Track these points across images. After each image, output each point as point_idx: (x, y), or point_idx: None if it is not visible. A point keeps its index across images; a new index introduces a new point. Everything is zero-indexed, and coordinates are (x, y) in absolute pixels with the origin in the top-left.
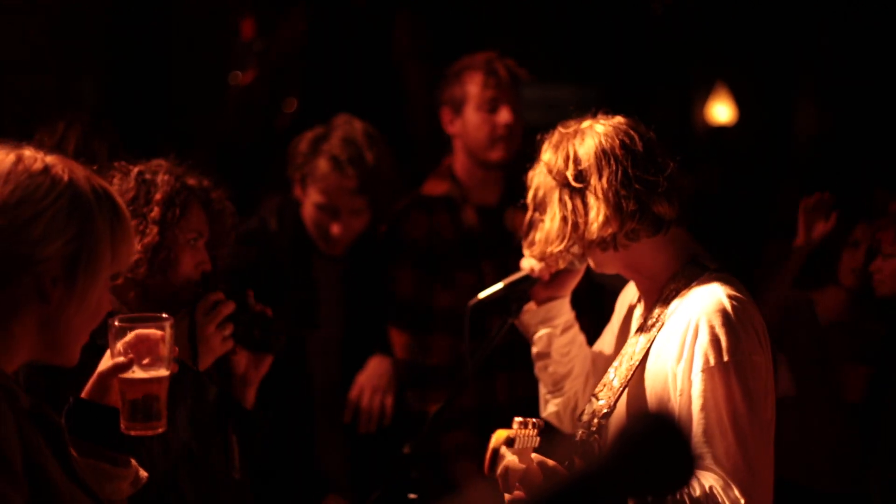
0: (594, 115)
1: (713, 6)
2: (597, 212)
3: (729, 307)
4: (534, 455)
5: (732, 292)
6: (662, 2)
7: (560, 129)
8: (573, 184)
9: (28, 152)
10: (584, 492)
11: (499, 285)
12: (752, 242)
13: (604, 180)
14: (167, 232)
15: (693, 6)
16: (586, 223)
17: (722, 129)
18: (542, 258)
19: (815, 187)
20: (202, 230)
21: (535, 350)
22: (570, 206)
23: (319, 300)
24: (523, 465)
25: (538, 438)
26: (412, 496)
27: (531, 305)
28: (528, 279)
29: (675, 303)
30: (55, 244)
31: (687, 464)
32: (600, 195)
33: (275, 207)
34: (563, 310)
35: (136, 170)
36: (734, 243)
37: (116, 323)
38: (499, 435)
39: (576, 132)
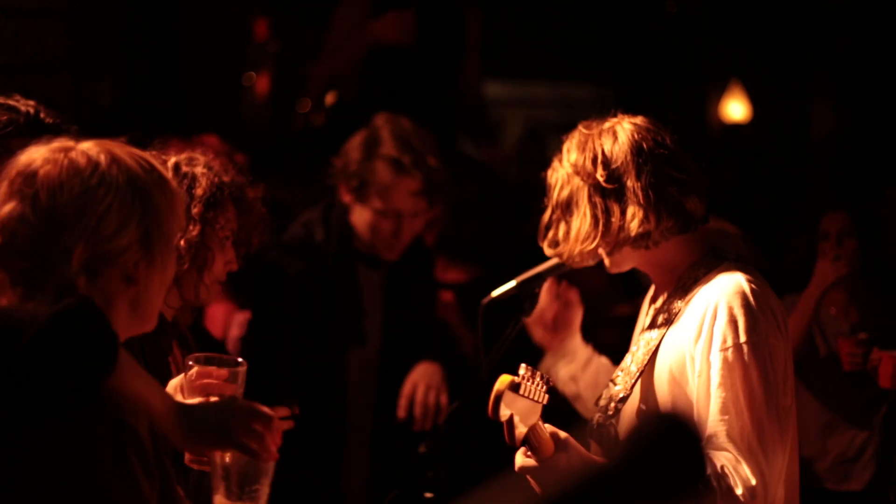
0: (613, 116)
1: (728, 5)
2: (634, 210)
3: (748, 290)
4: (547, 425)
5: (751, 277)
6: (677, 1)
7: (582, 129)
8: (605, 184)
9: (66, 146)
10: (596, 494)
11: (511, 283)
12: (772, 238)
13: (641, 178)
14: (206, 229)
15: (708, 5)
16: (622, 222)
17: (737, 127)
18: (568, 257)
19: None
20: (234, 229)
21: (567, 394)
22: (601, 205)
23: (364, 313)
24: (532, 421)
25: (547, 396)
26: (428, 495)
27: (548, 353)
28: (541, 277)
29: (694, 290)
30: (129, 232)
31: (697, 468)
32: (637, 193)
33: (319, 216)
34: (577, 346)
35: (173, 160)
36: (754, 239)
37: (191, 363)
38: (503, 379)
39: (601, 132)
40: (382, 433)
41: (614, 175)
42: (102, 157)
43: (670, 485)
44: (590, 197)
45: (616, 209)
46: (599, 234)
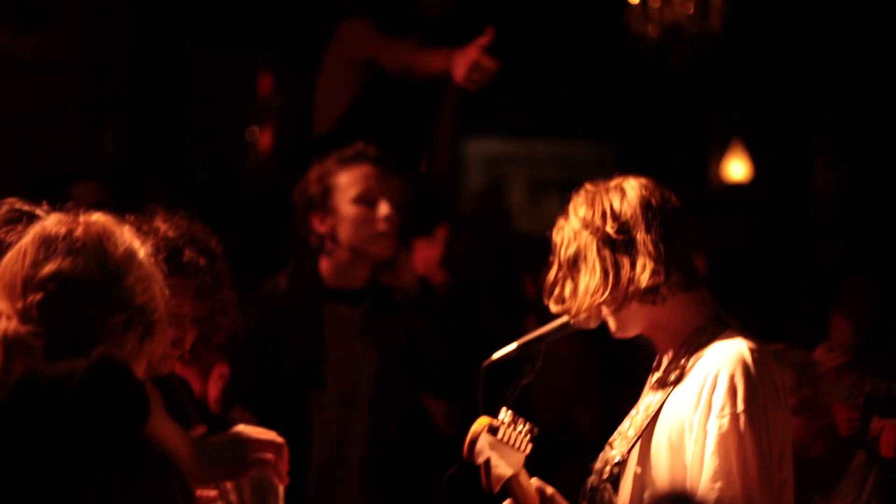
0: (617, 176)
1: (730, 65)
2: (643, 263)
3: (749, 359)
4: (533, 479)
5: (753, 346)
6: (680, 61)
7: (588, 187)
8: (615, 237)
9: (80, 214)
10: None
11: (513, 345)
12: (775, 298)
13: (651, 232)
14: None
15: (710, 66)
16: (632, 275)
17: (738, 186)
18: (576, 312)
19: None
20: (189, 311)
21: None
22: (611, 258)
23: (329, 355)
24: (511, 471)
25: (530, 445)
26: None
27: None
28: (543, 338)
29: (696, 356)
30: (155, 293)
31: None
32: (647, 246)
33: (287, 270)
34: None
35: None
36: (759, 297)
37: None
38: (481, 421)
39: (608, 189)
40: (370, 472)
41: (624, 228)
42: (121, 226)
43: None
44: (598, 250)
45: (626, 262)
46: (609, 288)
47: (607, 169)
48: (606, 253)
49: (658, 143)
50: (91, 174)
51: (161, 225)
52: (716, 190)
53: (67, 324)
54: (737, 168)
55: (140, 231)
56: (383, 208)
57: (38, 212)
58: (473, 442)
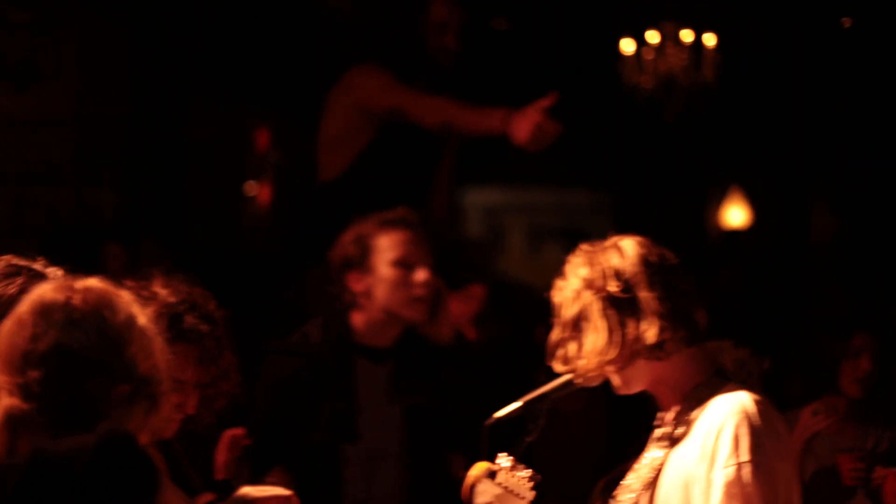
0: (612, 231)
1: (726, 112)
2: (649, 320)
3: (752, 410)
4: None
5: (756, 398)
6: (674, 111)
7: (584, 247)
8: (619, 295)
9: (76, 280)
10: None
11: (517, 403)
12: (774, 345)
13: (653, 289)
14: None
15: (706, 113)
16: (638, 332)
17: (737, 233)
18: (584, 372)
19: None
20: (191, 377)
21: None
22: (615, 317)
23: (359, 409)
24: None
25: (533, 493)
26: None
27: None
28: (547, 396)
29: (699, 410)
30: (158, 362)
31: None
32: (651, 304)
33: (318, 322)
34: None
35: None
36: (757, 344)
37: None
38: (480, 465)
39: (605, 249)
40: None
41: (627, 286)
42: (120, 292)
43: None
44: (603, 310)
45: (631, 320)
46: (617, 346)
47: (605, 216)
48: (611, 312)
49: (656, 190)
50: (115, 236)
51: (160, 290)
52: (714, 236)
53: (70, 398)
54: (735, 214)
55: (139, 297)
56: (421, 273)
57: (35, 266)
58: (472, 488)
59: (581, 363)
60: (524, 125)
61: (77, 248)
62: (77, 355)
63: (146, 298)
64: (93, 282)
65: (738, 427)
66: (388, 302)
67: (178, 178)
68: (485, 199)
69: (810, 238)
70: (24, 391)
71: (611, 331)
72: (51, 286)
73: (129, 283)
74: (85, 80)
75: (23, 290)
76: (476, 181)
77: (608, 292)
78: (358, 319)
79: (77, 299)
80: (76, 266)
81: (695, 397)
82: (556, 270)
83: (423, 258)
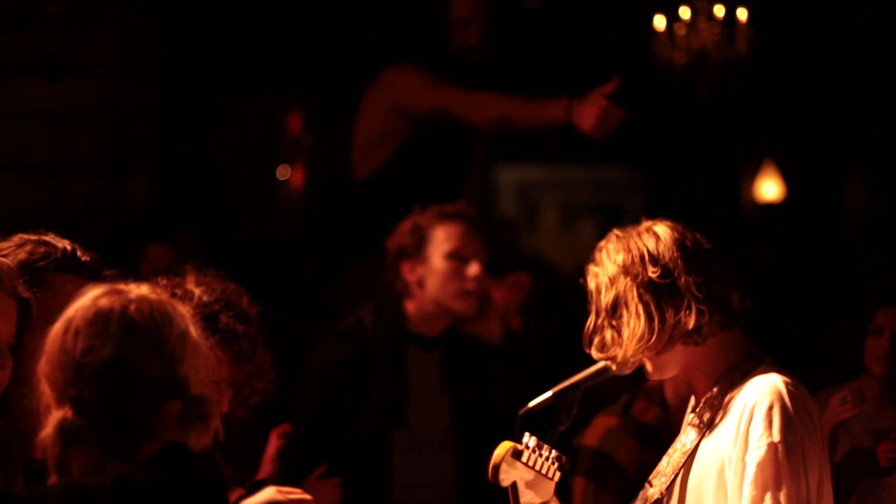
0: (644, 214)
1: (759, 87)
2: (688, 304)
3: (784, 391)
4: None
5: (788, 380)
6: (707, 87)
7: (617, 233)
8: (658, 280)
9: (126, 288)
10: None
11: (548, 394)
12: (810, 321)
13: (690, 273)
14: None
15: (738, 89)
16: (678, 317)
17: (770, 207)
18: (623, 359)
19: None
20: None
21: None
22: (654, 302)
23: (410, 396)
24: (540, 500)
25: (559, 473)
26: None
27: None
28: (578, 386)
29: (731, 393)
30: (206, 372)
31: None
32: (690, 288)
33: (371, 306)
34: None
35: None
36: (794, 322)
37: None
38: (504, 444)
39: (639, 233)
40: None
41: (665, 271)
42: (174, 305)
43: None
44: (640, 296)
45: (670, 305)
46: (656, 332)
47: (639, 193)
48: (649, 297)
49: (689, 166)
50: (162, 234)
51: (195, 289)
52: (748, 210)
53: (124, 413)
54: (769, 188)
55: (174, 296)
56: (473, 268)
57: (54, 241)
58: (497, 467)
59: (619, 350)
60: (590, 112)
61: (121, 245)
62: (134, 370)
63: (181, 297)
64: (146, 290)
65: (769, 408)
66: (439, 293)
67: (211, 165)
68: (519, 176)
69: (844, 212)
70: (77, 404)
71: (650, 316)
72: (103, 293)
73: (163, 280)
74: (117, 71)
75: (32, 255)
76: (510, 159)
77: (646, 277)
78: (410, 307)
79: (133, 309)
80: (122, 261)
81: (727, 380)
82: (590, 247)
83: (476, 252)
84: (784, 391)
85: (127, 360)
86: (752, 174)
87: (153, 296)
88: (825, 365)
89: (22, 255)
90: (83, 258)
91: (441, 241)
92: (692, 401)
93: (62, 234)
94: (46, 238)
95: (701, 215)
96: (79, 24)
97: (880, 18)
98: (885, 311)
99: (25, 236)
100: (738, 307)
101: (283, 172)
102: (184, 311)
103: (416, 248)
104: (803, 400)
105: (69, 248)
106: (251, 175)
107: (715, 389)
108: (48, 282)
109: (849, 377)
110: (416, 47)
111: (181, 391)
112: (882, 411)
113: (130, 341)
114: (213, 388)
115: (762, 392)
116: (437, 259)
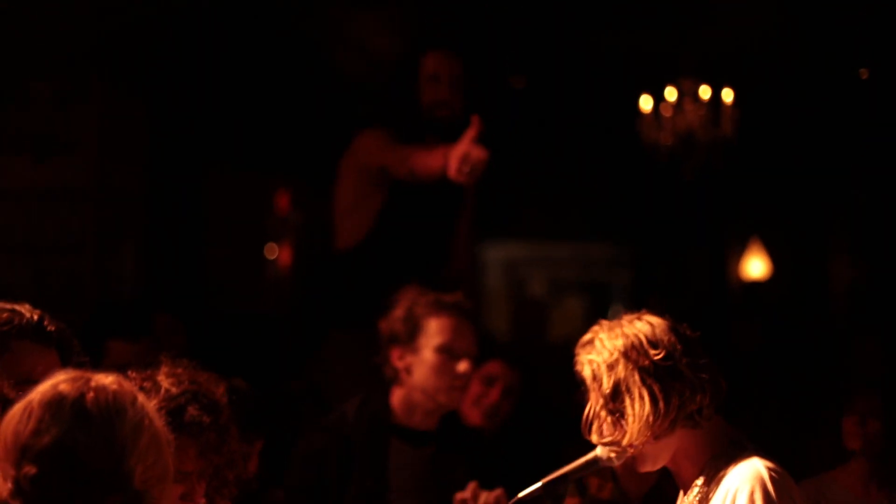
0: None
1: (744, 166)
2: (690, 385)
3: (767, 477)
4: None
5: (771, 465)
6: (693, 168)
7: (606, 323)
8: (661, 363)
9: (88, 375)
10: None
11: (537, 485)
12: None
13: (688, 356)
14: None
15: (725, 167)
16: (681, 399)
17: (756, 285)
18: (628, 444)
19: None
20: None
21: None
22: (657, 386)
23: (390, 487)
24: None
25: None
26: None
27: None
28: (567, 477)
29: (716, 480)
30: (166, 455)
31: None
32: (689, 371)
33: (357, 400)
34: None
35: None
36: (779, 399)
37: None
38: None
39: (631, 321)
40: None
41: (667, 354)
42: (134, 395)
43: None
44: (643, 380)
45: (672, 387)
46: (661, 414)
47: (625, 270)
48: (652, 381)
49: (675, 243)
50: (126, 329)
51: (164, 381)
52: (734, 288)
53: (58, 501)
54: (755, 266)
55: (142, 388)
56: (463, 364)
57: (23, 310)
58: None
59: (625, 435)
60: (453, 157)
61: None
62: (75, 458)
63: (148, 390)
64: (110, 380)
65: (752, 494)
66: (426, 384)
67: (198, 244)
68: (505, 254)
69: (830, 289)
70: (16, 486)
71: (654, 399)
72: (67, 378)
73: (133, 373)
74: (104, 150)
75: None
76: (496, 236)
77: (647, 361)
78: (396, 396)
79: (90, 397)
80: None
81: (713, 467)
82: (577, 322)
83: (468, 348)
84: (766, 476)
85: (70, 447)
86: (738, 252)
87: (114, 386)
88: (812, 449)
89: None
90: (49, 327)
91: (434, 333)
92: (681, 494)
93: (45, 311)
94: (17, 306)
95: (687, 293)
96: (66, 104)
97: (864, 98)
98: (862, 396)
99: (2, 304)
100: (723, 392)
101: (270, 251)
102: (145, 403)
103: (408, 336)
104: (787, 485)
105: (36, 316)
106: (239, 253)
107: (700, 478)
108: (10, 347)
109: (836, 462)
110: (388, 107)
111: (123, 486)
112: (868, 495)
113: (78, 429)
114: (167, 486)
115: (744, 478)
116: (428, 351)
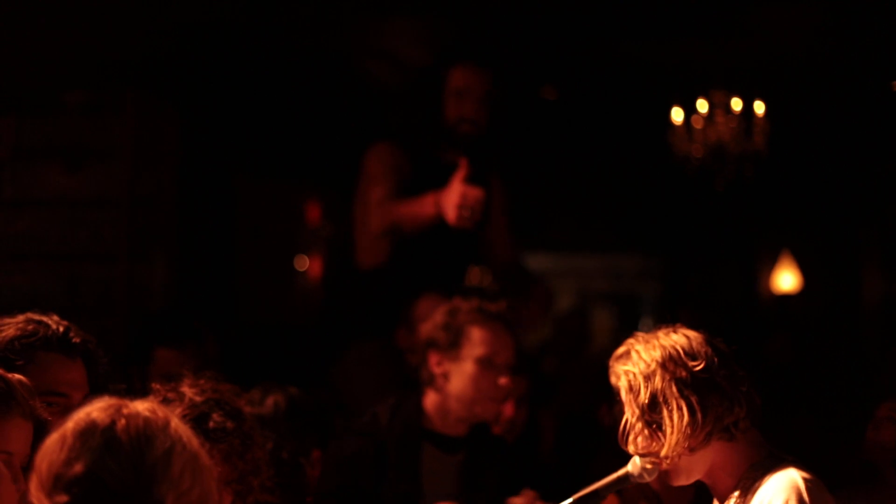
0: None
1: (776, 177)
2: (728, 397)
3: (803, 486)
4: None
5: (807, 475)
6: (724, 180)
7: (641, 336)
8: (700, 375)
9: (123, 402)
10: None
11: (568, 500)
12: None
13: (724, 368)
14: None
15: (756, 179)
16: (717, 410)
17: (787, 298)
18: (666, 454)
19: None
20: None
21: None
22: (695, 397)
23: (424, 494)
24: None
25: None
26: None
27: None
28: (598, 494)
29: (752, 491)
30: (204, 483)
31: None
32: (726, 382)
33: (388, 404)
34: None
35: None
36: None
37: None
38: None
39: (667, 333)
40: None
41: (706, 367)
42: (167, 421)
43: None
44: (681, 391)
45: (710, 399)
46: (699, 425)
47: (654, 281)
48: (689, 392)
49: (705, 255)
50: (171, 337)
51: (187, 390)
52: (765, 301)
53: None
54: (786, 279)
55: (167, 400)
56: (503, 377)
57: (50, 322)
58: None
59: (664, 446)
60: (448, 203)
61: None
62: (104, 486)
63: (172, 400)
64: (144, 407)
65: (787, 503)
66: (463, 394)
67: (229, 254)
68: (534, 266)
69: (862, 302)
70: None
71: (692, 410)
72: (100, 406)
73: (157, 385)
74: (137, 160)
75: (22, 331)
76: (525, 247)
77: (685, 373)
78: (430, 402)
79: (120, 425)
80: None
81: (749, 478)
82: (607, 334)
83: (507, 361)
84: (802, 486)
85: (99, 475)
86: (769, 264)
87: (147, 413)
88: (844, 461)
89: (11, 330)
90: (74, 339)
91: (476, 343)
92: (715, 502)
93: (78, 321)
94: (44, 318)
95: (717, 305)
96: (99, 113)
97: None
98: (882, 408)
99: (31, 315)
100: (758, 404)
101: (301, 263)
102: (180, 429)
103: (449, 344)
104: (822, 497)
105: (62, 328)
106: (269, 264)
107: (736, 490)
108: (34, 358)
109: (869, 474)
110: (408, 121)
111: (176, 496)
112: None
113: (108, 457)
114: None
115: (780, 487)
116: (469, 361)
